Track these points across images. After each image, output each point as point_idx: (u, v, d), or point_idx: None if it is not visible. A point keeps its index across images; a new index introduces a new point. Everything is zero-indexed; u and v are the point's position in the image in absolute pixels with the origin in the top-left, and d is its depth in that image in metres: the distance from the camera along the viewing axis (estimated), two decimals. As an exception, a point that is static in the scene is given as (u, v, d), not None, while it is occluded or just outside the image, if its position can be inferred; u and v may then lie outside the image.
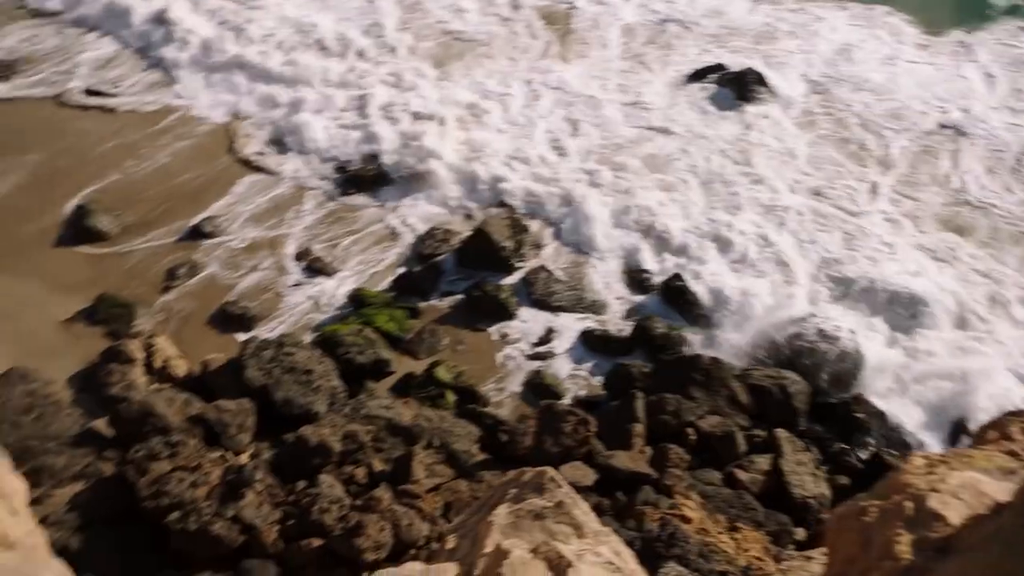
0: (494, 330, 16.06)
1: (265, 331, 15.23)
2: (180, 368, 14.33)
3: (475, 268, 16.95)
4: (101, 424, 13.23)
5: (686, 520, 11.59)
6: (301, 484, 12.41)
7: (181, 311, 15.48)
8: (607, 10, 24.64)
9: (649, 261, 17.31)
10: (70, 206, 16.87)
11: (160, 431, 12.81)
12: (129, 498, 11.94)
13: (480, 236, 17.16)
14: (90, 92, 20.09)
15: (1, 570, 3.62)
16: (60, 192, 17.13)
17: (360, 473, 12.74)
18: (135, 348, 14.24)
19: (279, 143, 19.29)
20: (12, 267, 15.64)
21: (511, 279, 16.85)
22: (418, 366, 15.12)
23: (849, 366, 15.08)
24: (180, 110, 19.92)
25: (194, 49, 21.60)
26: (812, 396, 14.67)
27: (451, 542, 4.44)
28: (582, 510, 4.14)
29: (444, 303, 16.46)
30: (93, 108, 19.71)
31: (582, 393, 15.11)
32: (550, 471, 4.45)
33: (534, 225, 17.95)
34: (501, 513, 4.25)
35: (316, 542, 11.60)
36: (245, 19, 22.84)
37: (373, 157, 19.05)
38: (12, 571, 3.69)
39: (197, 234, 16.83)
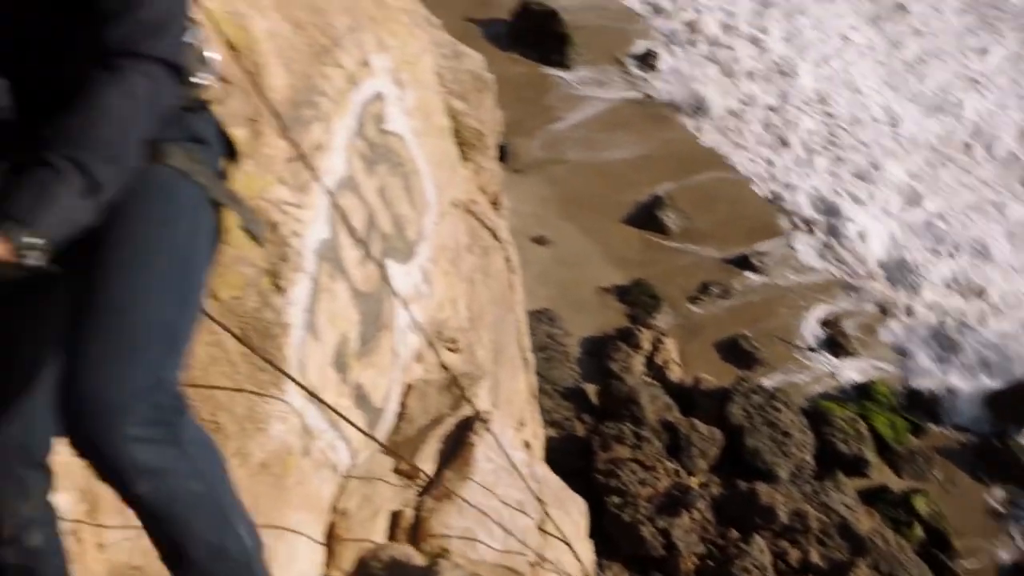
0: (997, 489, 14.27)
1: (763, 377, 15.15)
2: (675, 373, 14.90)
3: (1005, 417, 15.11)
4: (591, 389, 14.28)
5: None
6: (734, 534, 12.28)
7: (698, 324, 15.99)
8: None
9: None
10: (651, 192, 18.12)
11: (634, 420, 13.49)
12: (586, 463, 12.79)
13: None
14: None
15: (533, 477, 4.10)
16: (651, 177, 18.46)
17: (794, 555, 12.24)
18: (646, 338, 15.11)
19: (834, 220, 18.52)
20: (588, 223, 17.31)
21: (1044, 446, 14.77)
22: (896, 484, 14.05)
23: None
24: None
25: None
26: None
27: None
28: None
29: (953, 436, 15.01)
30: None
31: (1077, 608, 12.86)
32: None
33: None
34: None
35: (725, 594, 11.45)
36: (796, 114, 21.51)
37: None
38: (550, 484, 4.16)
39: (743, 263, 17.15)
